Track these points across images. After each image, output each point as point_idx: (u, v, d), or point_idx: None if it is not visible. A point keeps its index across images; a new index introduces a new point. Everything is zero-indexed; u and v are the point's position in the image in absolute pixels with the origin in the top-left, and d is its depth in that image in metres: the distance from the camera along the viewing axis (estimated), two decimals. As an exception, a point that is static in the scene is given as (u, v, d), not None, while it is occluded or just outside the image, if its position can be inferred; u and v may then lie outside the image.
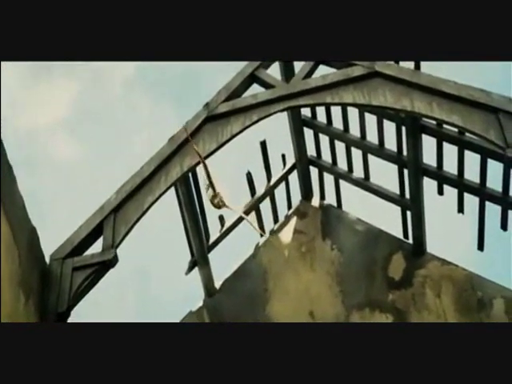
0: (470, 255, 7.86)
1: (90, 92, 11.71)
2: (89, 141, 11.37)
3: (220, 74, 6.93)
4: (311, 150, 8.24)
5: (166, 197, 6.19)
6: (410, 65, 6.38)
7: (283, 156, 8.24)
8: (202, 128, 6.12)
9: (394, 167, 7.63)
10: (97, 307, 8.69)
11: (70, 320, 5.55)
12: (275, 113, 6.11)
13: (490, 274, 7.54)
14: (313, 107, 7.65)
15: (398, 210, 7.85)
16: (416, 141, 7.18)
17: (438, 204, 7.75)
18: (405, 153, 7.41)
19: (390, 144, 7.56)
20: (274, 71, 6.75)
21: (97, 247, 5.84)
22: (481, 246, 7.63)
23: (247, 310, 7.74)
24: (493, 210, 7.29)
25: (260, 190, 8.05)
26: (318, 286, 7.86)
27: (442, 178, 7.45)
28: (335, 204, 8.36)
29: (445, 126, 6.75)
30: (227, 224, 7.89)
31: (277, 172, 8.22)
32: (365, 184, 8.01)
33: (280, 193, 8.26)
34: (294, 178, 8.34)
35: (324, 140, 8.09)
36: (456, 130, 6.75)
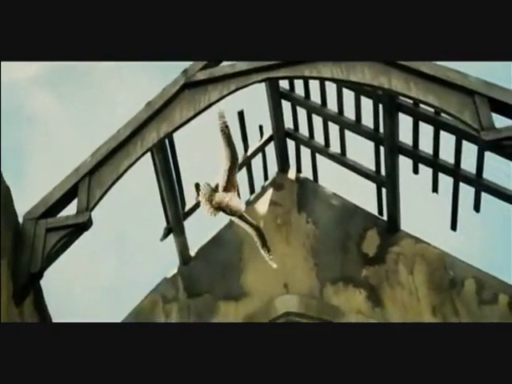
0: (443, 235, 7.90)
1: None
2: (70, 99, 11.29)
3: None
4: (288, 123, 8.26)
5: (142, 163, 6.20)
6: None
7: (260, 127, 8.26)
8: (180, 95, 6.12)
9: (371, 144, 7.65)
10: (74, 269, 8.74)
11: (44, 281, 5.59)
12: (253, 83, 6.10)
13: (462, 254, 7.60)
14: (291, 80, 7.68)
15: (373, 186, 7.88)
16: (392, 119, 7.22)
17: (413, 183, 7.80)
18: (381, 130, 7.46)
19: (367, 121, 7.60)
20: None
21: (71, 209, 5.81)
22: (454, 226, 7.70)
23: (221, 279, 7.74)
24: (467, 191, 7.37)
25: (237, 159, 8.08)
26: (293, 259, 7.85)
27: (417, 157, 7.51)
28: (311, 178, 8.39)
29: (421, 105, 6.81)
30: (203, 192, 7.90)
31: (254, 143, 8.24)
32: (341, 159, 8.05)
33: (256, 164, 8.28)
34: (270, 150, 8.36)
35: (302, 113, 8.11)
36: (432, 110, 6.82)
